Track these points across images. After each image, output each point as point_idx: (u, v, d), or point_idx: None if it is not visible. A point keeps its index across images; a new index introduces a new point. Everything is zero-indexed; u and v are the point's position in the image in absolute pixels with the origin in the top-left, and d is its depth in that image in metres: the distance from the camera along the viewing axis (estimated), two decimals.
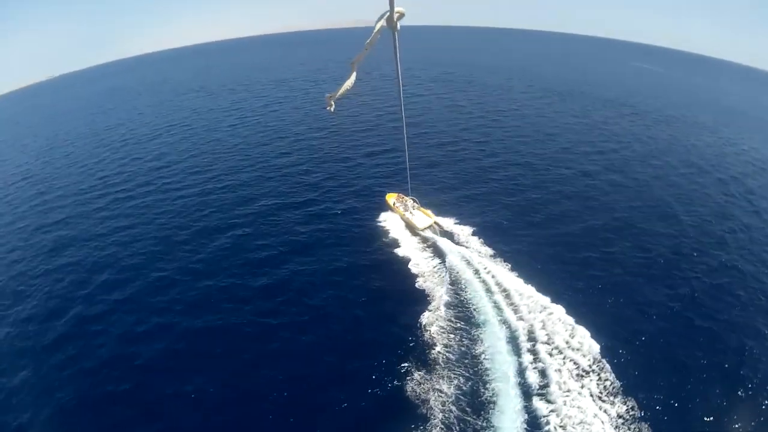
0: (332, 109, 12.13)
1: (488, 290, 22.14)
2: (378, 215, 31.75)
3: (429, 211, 30.27)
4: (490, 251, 26.14)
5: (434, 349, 18.89)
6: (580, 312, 20.21)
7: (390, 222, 30.54)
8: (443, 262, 25.26)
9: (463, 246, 26.90)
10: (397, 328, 20.63)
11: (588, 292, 23.21)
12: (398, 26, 8.78)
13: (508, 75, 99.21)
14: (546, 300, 20.90)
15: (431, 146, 47.21)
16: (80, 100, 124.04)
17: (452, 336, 19.55)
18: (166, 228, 32.60)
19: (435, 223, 29.43)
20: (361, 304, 22.95)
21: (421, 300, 22.24)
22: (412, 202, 30.74)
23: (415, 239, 28.32)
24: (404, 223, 30.08)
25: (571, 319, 19.59)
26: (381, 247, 27.95)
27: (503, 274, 23.48)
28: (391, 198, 32.47)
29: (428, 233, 28.61)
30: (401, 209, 30.76)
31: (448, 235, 28.31)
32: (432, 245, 27.31)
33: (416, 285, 23.47)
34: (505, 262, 24.92)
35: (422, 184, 35.08)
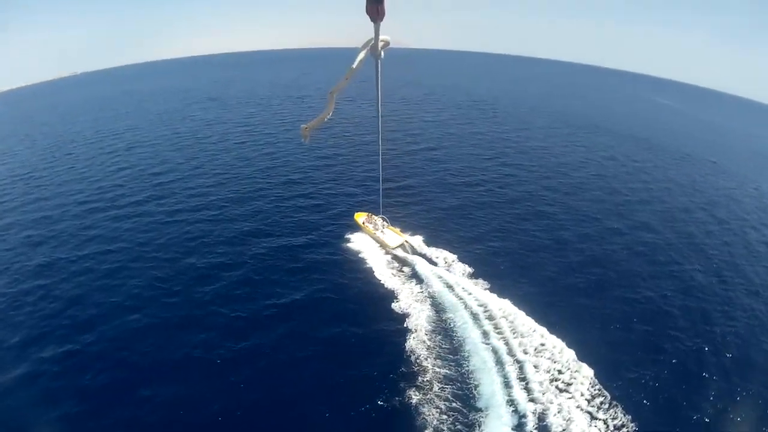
0: (307, 141, 11.87)
1: (468, 309, 22.30)
2: (348, 233, 31.22)
3: (399, 230, 30.30)
4: (462, 268, 26.47)
5: (423, 374, 18.56)
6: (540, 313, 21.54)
7: (361, 242, 30.12)
8: (418, 281, 25.17)
9: (434, 264, 27.07)
10: (383, 355, 20.01)
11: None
12: (382, 54, 8.71)
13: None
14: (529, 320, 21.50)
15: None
16: (97, 100, 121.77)
17: (437, 358, 19.41)
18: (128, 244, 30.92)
19: (406, 241, 29.47)
20: (339, 332, 22.05)
21: (401, 322, 21.81)
22: (381, 221, 30.63)
23: (387, 258, 28.11)
24: (375, 242, 29.83)
25: (542, 329, 20.44)
26: (355, 269, 27.22)
27: (477, 291, 23.81)
28: (360, 217, 32.14)
29: (399, 252, 28.57)
30: (371, 228, 30.55)
31: (420, 254, 28.41)
32: (405, 264, 27.23)
33: (394, 306, 23.09)
34: (478, 279, 25.34)
35: (393, 205, 35.19)
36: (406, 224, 31.90)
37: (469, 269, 26.43)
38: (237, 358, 20.24)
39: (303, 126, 11.00)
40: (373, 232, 30.11)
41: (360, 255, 28.53)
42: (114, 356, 20.49)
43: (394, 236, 29.57)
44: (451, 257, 27.81)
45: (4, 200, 42.08)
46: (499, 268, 27.07)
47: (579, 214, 36.84)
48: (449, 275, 25.56)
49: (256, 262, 28.29)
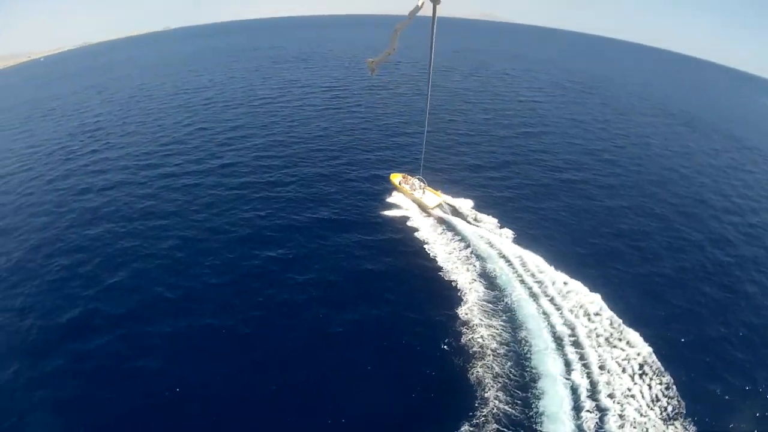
0: (373, 75, 11.98)
1: (515, 272, 22.38)
2: (385, 195, 31.29)
3: (437, 191, 29.85)
4: (503, 230, 26.49)
5: (474, 336, 18.64)
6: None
7: (399, 202, 30.16)
8: (460, 241, 25.36)
9: (474, 224, 26.76)
10: (436, 317, 20.19)
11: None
12: (441, 0, 8.86)
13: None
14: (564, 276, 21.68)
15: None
16: (182, 55, 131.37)
17: (491, 322, 19.35)
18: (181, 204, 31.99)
19: (443, 202, 29.10)
20: (391, 297, 22.07)
21: (450, 288, 21.78)
22: (418, 182, 30.21)
23: (428, 220, 28.00)
24: (414, 203, 29.60)
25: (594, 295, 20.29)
26: (398, 232, 27.35)
27: (522, 252, 23.84)
28: (396, 178, 31.90)
29: (438, 212, 28.28)
30: (408, 189, 30.22)
31: (459, 215, 28.05)
32: (446, 225, 27.11)
33: (442, 272, 22.98)
34: (521, 239, 25.36)
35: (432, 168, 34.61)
36: (446, 187, 31.57)
37: (510, 232, 26.30)
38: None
39: (369, 60, 10.88)
40: (410, 192, 29.82)
41: (402, 216, 28.71)
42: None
43: (432, 197, 29.26)
44: (488, 218, 27.78)
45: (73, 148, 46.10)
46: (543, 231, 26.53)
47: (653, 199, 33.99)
48: (490, 235, 25.36)
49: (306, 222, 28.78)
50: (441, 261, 23.65)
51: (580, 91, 73.39)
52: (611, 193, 34.17)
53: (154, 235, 27.96)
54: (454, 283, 21.86)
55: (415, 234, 26.51)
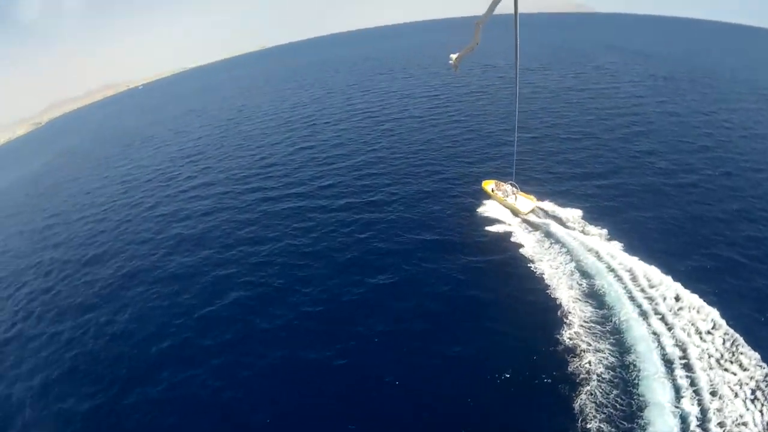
0: (457, 71, 13.03)
1: (624, 287, 21.19)
2: (478, 203, 31.97)
3: (531, 196, 29.33)
4: (603, 233, 25.52)
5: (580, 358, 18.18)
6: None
7: (493, 210, 30.53)
8: (555, 243, 25.27)
9: (572, 228, 25.76)
10: (540, 345, 19.62)
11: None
12: None
13: None
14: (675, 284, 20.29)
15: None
16: (279, 73, 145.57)
17: (598, 346, 18.66)
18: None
19: (537, 207, 28.50)
20: (494, 326, 21.54)
21: (554, 309, 21.13)
22: (511, 187, 30.11)
23: (524, 225, 28.25)
24: (507, 209, 29.57)
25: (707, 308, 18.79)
26: (499, 249, 26.94)
27: (632, 263, 22.41)
28: (488, 185, 32.28)
29: (533, 217, 27.77)
30: (501, 195, 30.26)
31: (556, 219, 27.27)
32: (538, 228, 26.83)
33: (547, 290, 22.37)
34: (630, 249, 23.75)
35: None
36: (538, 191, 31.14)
37: (605, 232, 25.46)
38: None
39: (453, 55, 12.20)
40: (503, 198, 29.88)
41: (496, 222, 29.13)
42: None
43: (525, 201, 28.95)
44: (586, 223, 26.90)
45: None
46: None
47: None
48: (586, 238, 24.98)
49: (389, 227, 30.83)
50: (545, 278, 22.88)
51: (679, 81, 63.91)
52: (723, 195, 29.87)
53: (253, 262, 29.27)
54: (558, 302, 21.04)
55: (516, 248, 25.89)
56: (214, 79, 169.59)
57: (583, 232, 25.85)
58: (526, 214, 28.45)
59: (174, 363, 21.67)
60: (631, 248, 23.66)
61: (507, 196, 30.18)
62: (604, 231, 25.45)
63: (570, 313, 20.11)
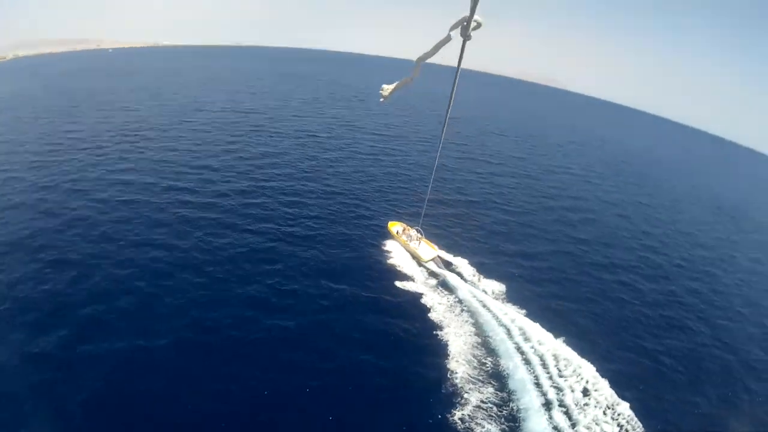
0: (384, 101, 11.86)
1: (507, 331, 22.02)
2: (382, 242, 31.01)
3: (433, 244, 29.48)
4: (496, 287, 26.47)
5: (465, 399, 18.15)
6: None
7: (394, 251, 29.85)
8: (450, 294, 25.23)
9: (469, 282, 26.24)
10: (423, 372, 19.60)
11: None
12: (471, 36, 8.70)
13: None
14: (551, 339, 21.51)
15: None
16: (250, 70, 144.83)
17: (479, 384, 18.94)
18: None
19: (438, 256, 28.64)
20: (375, 346, 21.37)
21: (440, 340, 21.58)
22: (416, 233, 29.95)
23: (422, 272, 27.58)
24: (408, 253, 29.11)
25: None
26: (391, 279, 26.82)
27: (513, 313, 23.64)
28: (394, 226, 31.78)
29: (432, 266, 27.71)
30: (405, 239, 29.87)
31: (452, 269, 27.63)
32: (436, 277, 26.71)
33: (432, 323, 22.77)
34: (513, 303, 25.12)
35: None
36: (442, 242, 31.39)
37: (500, 287, 26.47)
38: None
39: (385, 86, 10.95)
40: (407, 242, 29.46)
41: (397, 266, 28.35)
42: None
43: (428, 249, 28.87)
44: (481, 275, 27.74)
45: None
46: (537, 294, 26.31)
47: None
48: (479, 293, 25.42)
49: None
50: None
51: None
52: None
53: (151, 268, 26.00)
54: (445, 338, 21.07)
55: (417, 305, 24.45)
56: (185, 64, 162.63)
57: (477, 285, 26.29)
58: (426, 262, 28.31)
59: None
60: (521, 305, 24.74)
61: (411, 241, 29.95)
62: (499, 285, 26.35)
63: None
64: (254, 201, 36.14)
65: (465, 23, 7.82)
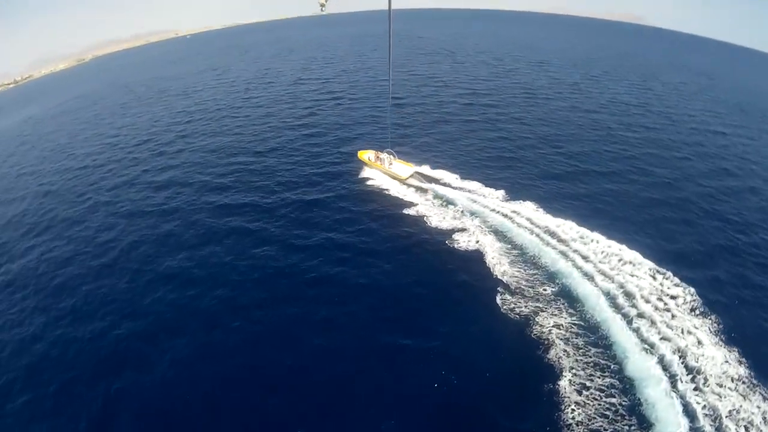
0: (323, 9, 11.48)
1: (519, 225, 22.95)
2: (358, 173, 30.78)
3: (408, 162, 29.88)
4: (481, 187, 27.45)
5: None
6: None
7: (374, 178, 29.89)
8: (454, 206, 25.62)
9: (450, 187, 27.19)
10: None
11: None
12: None
13: None
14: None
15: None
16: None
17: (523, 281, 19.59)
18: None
19: (416, 172, 29.17)
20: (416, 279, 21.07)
21: (459, 248, 22.15)
22: (387, 155, 29.97)
23: (407, 189, 28.24)
24: (387, 176, 29.42)
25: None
26: (385, 206, 26.89)
27: (497, 203, 25.25)
28: (365, 154, 31.42)
29: (413, 182, 28.34)
30: (379, 163, 29.94)
31: (434, 181, 28.36)
32: (422, 191, 27.41)
33: (441, 232, 23.39)
34: (502, 192, 26.65)
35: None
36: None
37: (490, 185, 27.55)
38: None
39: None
40: (382, 166, 29.59)
41: (384, 191, 28.65)
42: None
43: (404, 167, 29.24)
44: (463, 181, 28.54)
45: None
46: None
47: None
48: (465, 194, 26.55)
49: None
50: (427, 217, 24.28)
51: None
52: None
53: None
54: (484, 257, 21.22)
55: (406, 211, 25.83)
56: (259, 38, 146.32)
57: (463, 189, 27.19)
58: (405, 180, 28.91)
59: None
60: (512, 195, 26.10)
61: (384, 164, 30.04)
62: (477, 185, 27.47)
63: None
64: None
65: None
